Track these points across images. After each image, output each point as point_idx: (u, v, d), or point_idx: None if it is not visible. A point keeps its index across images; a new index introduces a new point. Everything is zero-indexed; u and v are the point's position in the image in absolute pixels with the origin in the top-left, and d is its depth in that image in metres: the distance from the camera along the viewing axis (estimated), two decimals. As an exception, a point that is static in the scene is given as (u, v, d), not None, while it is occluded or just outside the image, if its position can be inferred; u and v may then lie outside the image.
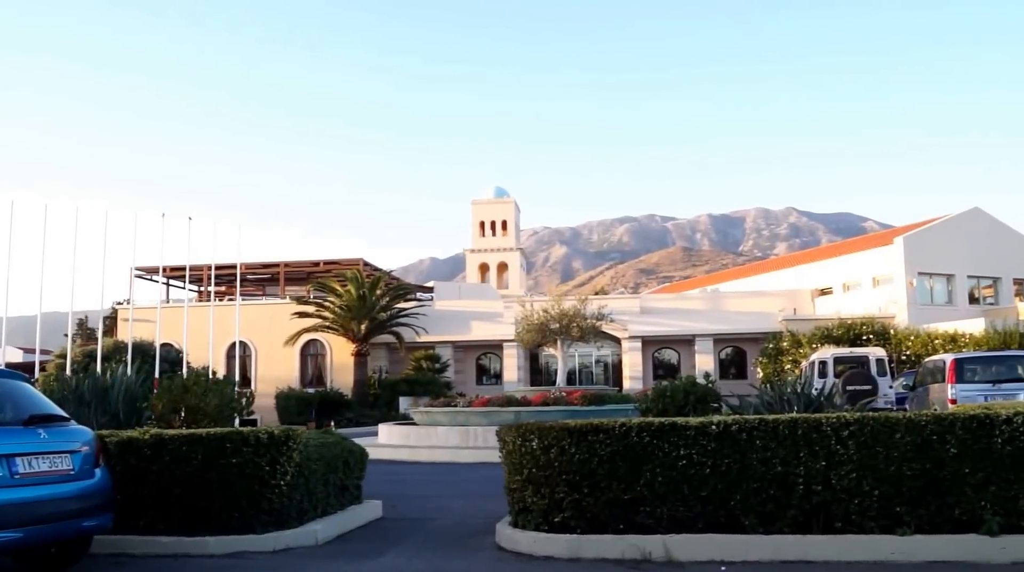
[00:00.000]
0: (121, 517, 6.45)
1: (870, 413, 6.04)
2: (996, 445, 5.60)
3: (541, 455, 6.28)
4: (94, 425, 7.63)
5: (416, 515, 8.67)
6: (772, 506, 5.85)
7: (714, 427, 5.99)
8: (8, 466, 5.24)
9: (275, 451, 6.61)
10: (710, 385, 12.23)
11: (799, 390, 8.09)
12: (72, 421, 6.16)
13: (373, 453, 16.36)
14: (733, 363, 36.36)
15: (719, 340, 35.32)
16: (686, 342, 35.63)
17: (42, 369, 19.41)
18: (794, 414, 6.46)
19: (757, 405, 8.10)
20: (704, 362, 34.45)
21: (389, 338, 34.22)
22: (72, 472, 5.69)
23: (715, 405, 10.75)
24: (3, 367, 7.57)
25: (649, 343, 35.71)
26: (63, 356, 22.71)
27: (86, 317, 48.25)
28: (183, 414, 7.85)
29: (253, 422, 27.68)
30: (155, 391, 8.26)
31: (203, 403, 7.83)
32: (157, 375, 15.01)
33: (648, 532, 5.96)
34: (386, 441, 18.48)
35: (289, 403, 31.46)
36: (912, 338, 29.03)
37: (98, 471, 5.97)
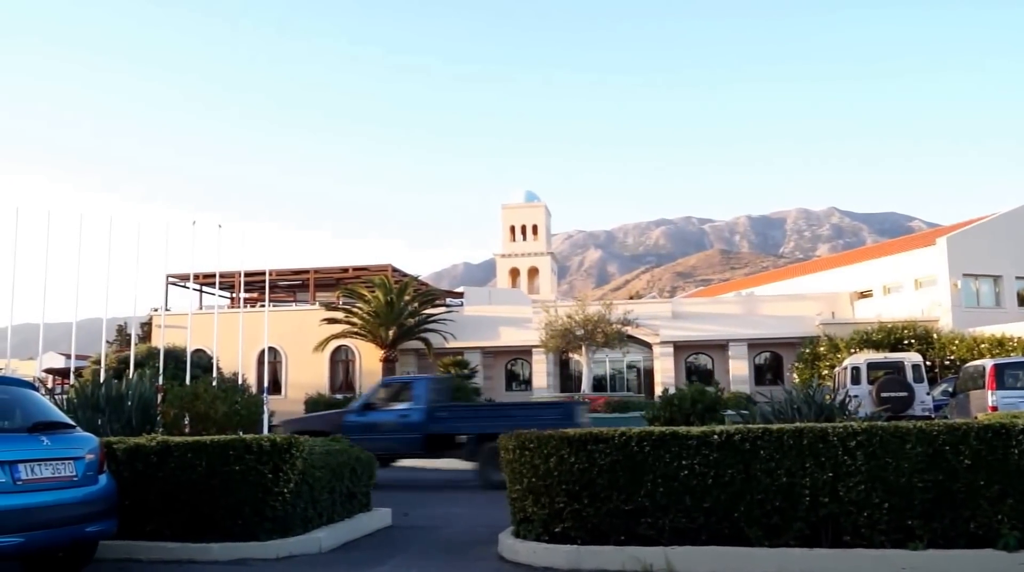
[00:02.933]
0: (128, 523, 6.55)
1: (879, 423, 5.80)
2: (1013, 456, 5.33)
3: (540, 464, 6.19)
4: (108, 432, 7.78)
5: (425, 523, 8.63)
6: (777, 518, 5.67)
7: (716, 436, 5.83)
8: (10, 472, 5.35)
9: (277, 458, 6.64)
10: (718, 393, 11.98)
11: (811, 397, 7.83)
12: (77, 428, 6.26)
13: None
14: (770, 369, 35.56)
15: (754, 345, 34.62)
16: (720, 347, 35.00)
17: (78, 375, 19.96)
18: (800, 423, 6.24)
19: (766, 413, 7.88)
20: (739, 368, 33.79)
21: (418, 344, 34.33)
22: (75, 478, 5.79)
23: (729, 413, 10.50)
24: (14, 375, 7.76)
25: (681, 348, 35.17)
26: (99, 362, 23.36)
27: (126, 323, 49.58)
28: (190, 420, 7.95)
29: (285, 427, 28.08)
30: (159, 397, 8.38)
31: (212, 410, 7.92)
32: (188, 380, 15.28)
33: (650, 543, 5.83)
34: (411, 447, 18.47)
35: (319, 409, 31.74)
36: (957, 342, 28.01)
37: (102, 477, 6.07)
